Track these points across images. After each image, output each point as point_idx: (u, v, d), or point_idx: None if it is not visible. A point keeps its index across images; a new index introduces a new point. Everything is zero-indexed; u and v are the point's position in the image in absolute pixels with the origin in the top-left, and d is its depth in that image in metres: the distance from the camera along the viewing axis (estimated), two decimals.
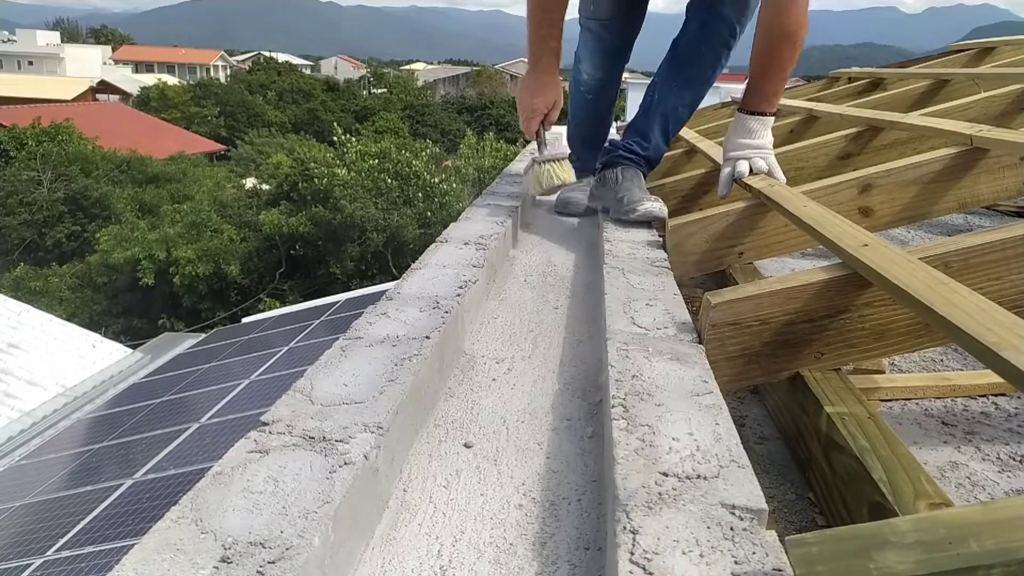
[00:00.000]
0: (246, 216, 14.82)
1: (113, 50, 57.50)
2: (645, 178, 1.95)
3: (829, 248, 1.16)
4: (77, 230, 15.67)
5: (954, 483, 1.01)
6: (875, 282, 0.97)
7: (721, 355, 1.04)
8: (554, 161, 1.92)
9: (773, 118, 1.71)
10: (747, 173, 1.66)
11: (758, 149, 1.70)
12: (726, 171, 1.73)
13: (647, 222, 1.76)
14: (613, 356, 0.96)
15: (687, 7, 1.93)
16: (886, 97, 2.84)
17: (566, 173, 1.94)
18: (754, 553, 0.58)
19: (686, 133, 2.80)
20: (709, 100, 3.46)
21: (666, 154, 2.91)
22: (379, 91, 45.15)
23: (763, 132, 1.70)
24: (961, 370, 1.39)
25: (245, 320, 8.45)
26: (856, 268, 1.01)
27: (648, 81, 2.08)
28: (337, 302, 7.18)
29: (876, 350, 1.06)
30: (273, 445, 0.76)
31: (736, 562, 0.57)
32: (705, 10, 1.88)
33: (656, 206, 1.76)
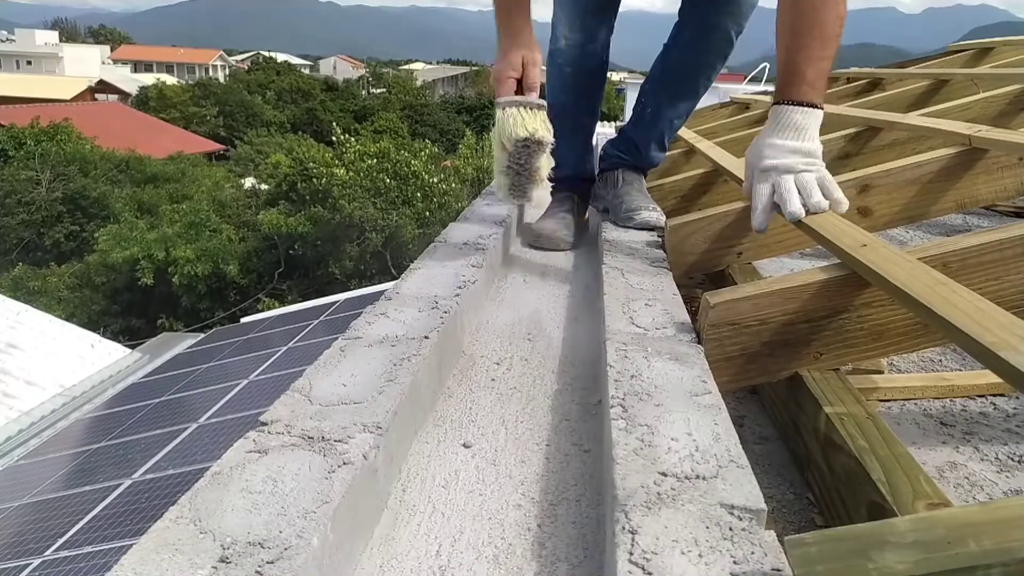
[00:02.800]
0: (245, 216, 14.83)
1: (112, 50, 57.48)
2: (645, 178, 1.93)
3: (828, 248, 1.16)
4: (76, 230, 15.67)
5: (953, 483, 1.01)
6: (874, 282, 0.97)
7: (720, 355, 1.04)
8: (524, 107, 1.40)
9: (822, 114, 1.25)
10: (801, 211, 1.18)
11: (806, 156, 1.22)
12: (762, 191, 1.24)
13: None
14: (612, 356, 0.96)
15: (679, 11, 1.79)
16: (885, 97, 2.84)
17: (537, 124, 1.41)
18: (753, 553, 0.58)
19: (685, 133, 2.80)
20: (708, 100, 3.46)
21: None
22: (378, 91, 45.15)
23: (811, 131, 1.23)
24: (960, 370, 1.39)
25: (244, 320, 8.45)
26: (855, 268, 1.01)
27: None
28: (336, 302, 7.18)
29: (875, 350, 1.06)
30: (272, 445, 0.76)
31: (735, 562, 0.57)
32: (698, 20, 1.74)
33: (655, 215, 1.72)
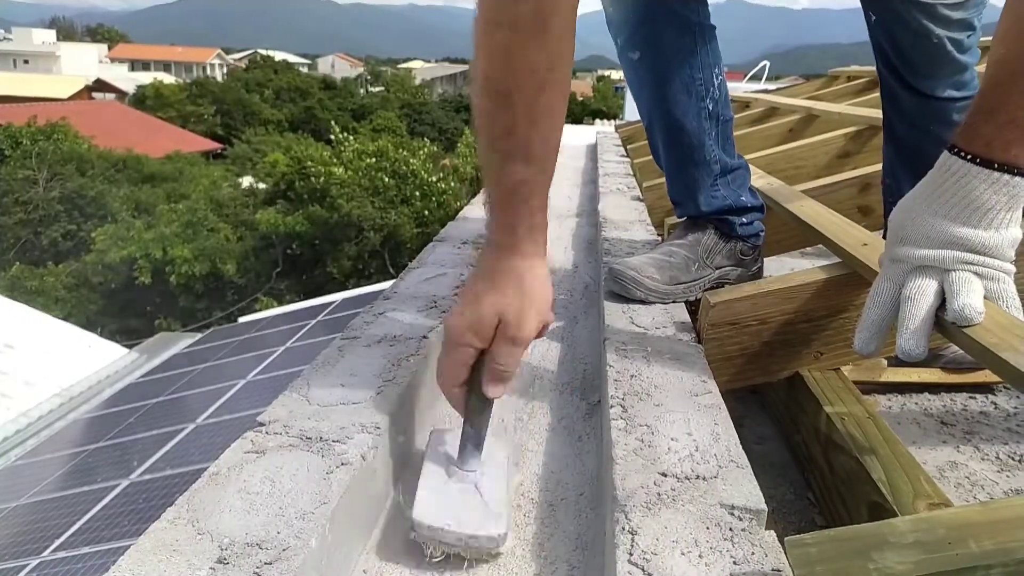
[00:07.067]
0: (243, 215, 14.82)
1: (109, 48, 57.41)
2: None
3: (828, 247, 1.16)
4: (73, 229, 15.63)
5: (953, 483, 1.01)
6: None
7: (720, 355, 1.04)
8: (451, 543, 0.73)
9: None
10: (977, 315, 0.71)
11: (972, 251, 0.73)
12: (881, 292, 0.78)
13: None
14: (612, 356, 0.96)
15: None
16: None
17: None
18: (753, 553, 0.58)
19: None
20: None
21: None
22: (376, 89, 45.08)
23: (1000, 214, 0.72)
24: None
25: (242, 320, 8.43)
26: (855, 267, 1.01)
27: None
28: (334, 301, 7.17)
29: None
30: (270, 445, 0.75)
31: (735, 562, 0.57)
32: None
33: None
